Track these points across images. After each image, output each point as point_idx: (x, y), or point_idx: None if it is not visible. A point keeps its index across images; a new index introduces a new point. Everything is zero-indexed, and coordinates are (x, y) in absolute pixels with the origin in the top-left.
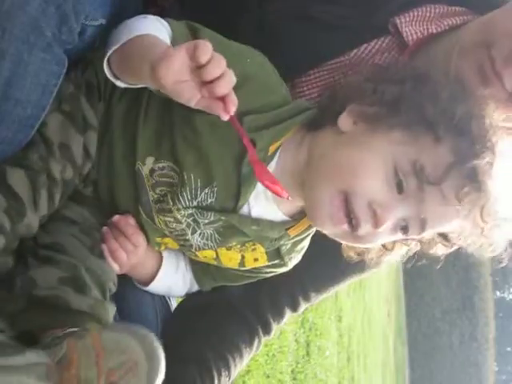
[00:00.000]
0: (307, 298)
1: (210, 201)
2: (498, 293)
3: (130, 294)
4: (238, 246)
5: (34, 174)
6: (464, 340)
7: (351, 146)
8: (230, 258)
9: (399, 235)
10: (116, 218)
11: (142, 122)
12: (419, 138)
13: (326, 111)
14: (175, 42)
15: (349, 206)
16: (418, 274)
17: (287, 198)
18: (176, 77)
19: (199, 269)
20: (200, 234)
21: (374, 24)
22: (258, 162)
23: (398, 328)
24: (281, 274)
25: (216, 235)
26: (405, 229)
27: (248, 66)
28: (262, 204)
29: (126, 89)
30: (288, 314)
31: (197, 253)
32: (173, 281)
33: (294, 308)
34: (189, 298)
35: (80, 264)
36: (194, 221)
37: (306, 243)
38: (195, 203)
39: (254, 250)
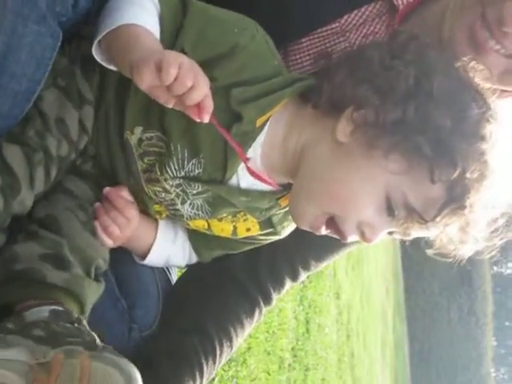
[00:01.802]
0: (307, 267)
1: (197, 171)
2: (495, 268)
3: (130, 269)
4: (230, 217)
5: (31, 150)
6: (462, 315)
7: (346, 165)
8: (221, 229)
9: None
10: (106, 190)
11: (133, 91)
12: (415, 171)
13: (327, 97)
14: (162, 21)
15: (336, 225)
16: (415, 250)
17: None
18: (149, 84)
19: (197, 238)
20: (190, 204)
21: None
22: (246, 160)
23: (397, 304)
24: (279, 243)
25: (206, 206)
26: (390, 233)
27: (237, 36)
28: (250, 175)
29: None
30: (288, 284)
31: (188, 222)
32: (171, 252)
33: (294, 277)
34: (189, 270)
35: (66, 241)
36: (183, 191)
37: None
38: (182, 173)
39: (245, 220)
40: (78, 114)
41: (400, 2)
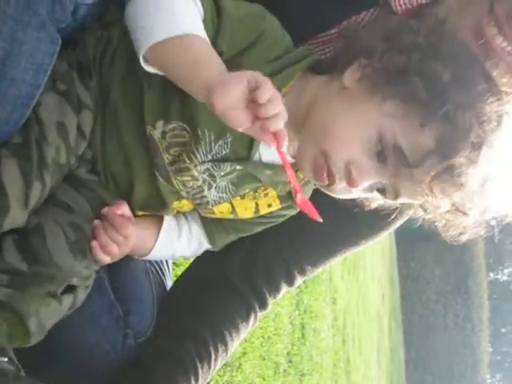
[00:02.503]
0: (303, 272)
1: (224, 152)
2: (491, 274)
3: (126, 275)
4: (251, 193)
5: (29, 165)
6: (458, 322)
7: (346, 105)
8: (245, 208)
9: (376, 194)
10: (105, 210)
11: (146, 87)
12: (409, 117)
13: (337, 58)
14: (205, 22)
15: (328, 163)
16: (411, 256)
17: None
18: (230, 105)
19: (211, 224)
20: (216, 187)
21: None
22: (305, 201)
23: (393, 310)
24: (275, 248)
25: (230, 186)
26: (381, 191)
27: (261, 27)
28: (271, 150)
29: (115, 60)
30: (284, 289)
31: (213, 209)
32: (176, 248)
33: (290, 282)
34: (184, 275)
35: (34, 260)
36: (210, 175)
37: (312, 184)
38: (210, 157)
39: (266, 195)
40: (76, 118)
41: (399, 9)
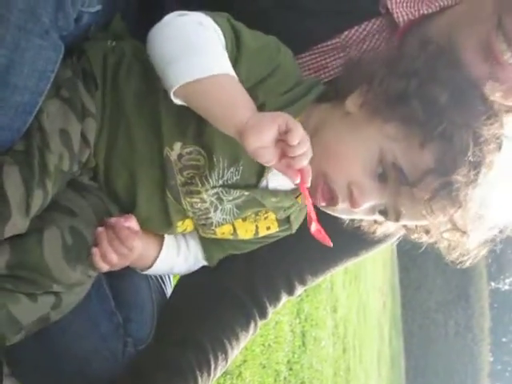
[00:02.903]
0: (303, 281)
1: (235, 179)
2: (492, 283)
3: (127, 282)
4: (253, 216)
5: (30, 173)
6: (459, 331)
7: (348, 129)
8: (246, 230)
9: (378, 216)
10: (113, 220)
11: (163, 107)
12: (408, 138)
13: (340, 86)
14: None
15: (328, 186)
16: (413, 266)
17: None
18: (261, 145)
19: (209, 241)
20: (221, 210)
21: (363, 6)
22: (320, 231)
23: (394, 319)
24: (276, 257)
25: (235, 209)
26: (383, 213)
27: (276, 59)
28: (278, 176)
29: (131, 75)
30: (284, 298)
31: (216, 229)
32: (174, 264)
33: (290, 291)
34: (184, 282)
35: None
36: (218, 198)
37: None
38: (221, 182)
39: (266, 218)
40: (80, 126)
41: (401, 20)
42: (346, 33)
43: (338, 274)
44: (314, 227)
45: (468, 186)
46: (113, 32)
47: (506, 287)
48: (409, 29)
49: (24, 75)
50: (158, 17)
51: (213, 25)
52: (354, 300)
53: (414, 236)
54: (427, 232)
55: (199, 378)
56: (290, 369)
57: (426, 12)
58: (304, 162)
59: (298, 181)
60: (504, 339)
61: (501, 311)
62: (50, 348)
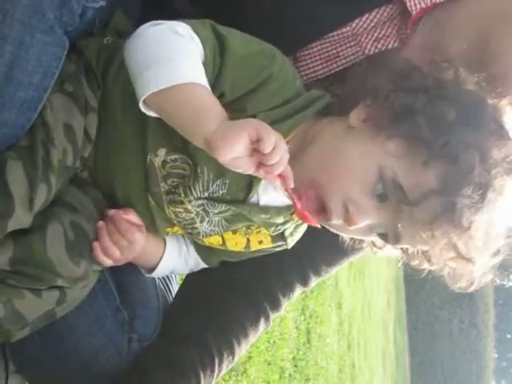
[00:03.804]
0: (318, 272)
1: (221, 192)
2: (497, 280)
3: (132, 279)
4: (244, 229)
5: (34, 168)
6: (464, 327)
7: (349, 143)
8: (235, 242)
9: (376, 239)
10: (111, 212)
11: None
12: (411, 155)
13: (344, 99)
14: (205, 63)
15: (324, 199)
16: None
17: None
18: (233, 156)
19: (203, 249)
20: (208, 221)
21: None
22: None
23: (398, 316)
24: (287, 250)
25: (223, 221)
26: (382, 236)
27: (269, 68)
28: (270, 193)
29: (122, 72)
30: (299, 289)
31: (204, 239)
32: (176, 265)
33: (305, 283)
34: (190, 279)
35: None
36: (204, 210)
37: (305, 226)
38: (206, 194)
39: (258, 232)
40: (83, 120)
41: (414, 8)
42: (356, 21)
43: (342, 270)
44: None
45: (473, 210)
46: (114, 27)
47: (511, 284)
48: (421, 17)
49: (28, 71)
50: (165, 12)
51: (189, 33)
52: (359, 297)
53: (415, 262)
54: (428, 259)
55: (201, 376)
56: (295, 365)
57: (438, 0)
58: (281, 168)
59: (280, 184)
60: (509, 336)
61: (505, 308)
62: (56, 344)
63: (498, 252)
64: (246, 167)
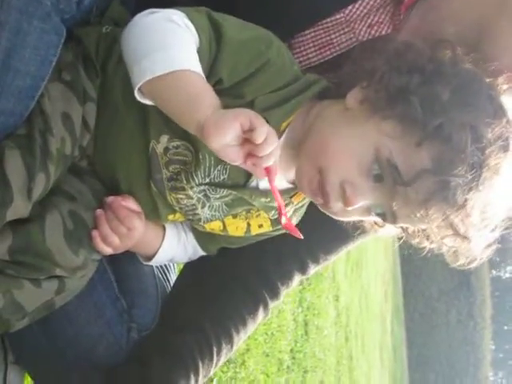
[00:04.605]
0: (316, 260)
1: (222, 177)
2: (493, 271)
3: (131, 268)
4: (244, 213)
5: (32, 157)
6: (461, 319)
7: (346, 125)
8: (236, 227)
9: (376, 218)
10: (110, 199)
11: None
12: (405, 136)
13: (341, 82)
14: (200, 53)
15: (322, 181)
16: (414, 254)
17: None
18: (225, 143)
19: (203, 234)
20: (209, 206)
21: None
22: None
23: (396, 308)
24: (284, 238)
25: (224, 206)
26: (381, 215)
27: (266, 54)
28: None
29: (121, 62)
30: (297, 277)
31: (205, 225)
32: (175, 253)
33: (303, 271)
34: (189, 268)
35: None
36: (205, 195)
37: (304, 209)
38: (207, 180)
39: (258, 215)
40: (81, 109)
41: None
42: (349, 7)
43: (339, 262)
44: (284, 220)
45: (467, 189)
46: (111, 17)
47: (508, 275)
48: (414, 3)
49: (26, 59)
50: (161, 2)
51: (185, 21)
52: (356, 289)
53: (415, 241)
54: (428, 237)
55: (200, 364)
56: (293, 357)
57: None
58: (271, 161)
59: (265, 178)
60: (506, 327)
61: (502, 299)
62: (55, 334)
63: (496, 228)
64: (234, 156)
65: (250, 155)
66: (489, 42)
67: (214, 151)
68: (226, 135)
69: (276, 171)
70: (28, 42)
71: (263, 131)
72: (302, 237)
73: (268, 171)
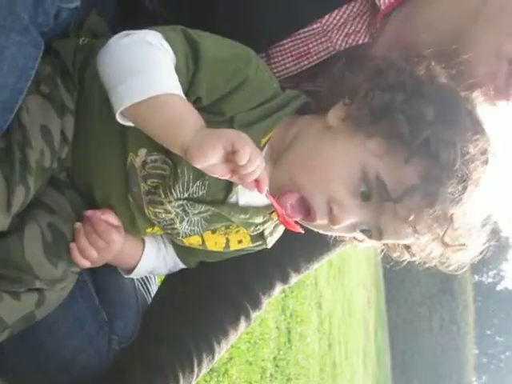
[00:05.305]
0: (297, 269)
1: (201, 193)
2: (476, 277)
3: (111, 280)
4: (223, 229)
5: (11, 171)
6: (444, 324)
7: (330, 143)
8: (215, 242)
9: (360, 235)
10: (89, 212)
11: None
12: (392, 154)
13: (323, 98)
14: (178, 70)
15: (306, 201)
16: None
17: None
18: (209, 164)
19: (182, 249)
20: (188, 221)
21: None
22: (290, 224)
23: (379, 314)
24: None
25: (203, 221)
26: (366, 232)
27: (245, 71)
28: (249, 192)
29: (97, 76)
30: (279, 287)
31: (183, 240)
32: (154, 266)
33: (285, 280)
34: (170, 279)
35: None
36: (183, 210)
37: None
38: (186, 195)
39: (237, 231)
40: (60, 121)
41: (382, 2)
42: (326, 17)
43: (322, 269)
44: (287, 220)
45: (453, 204)
46: (89, 29)
47: (490, 280)
48: (390, 12)
49: (4, 72)
50: (137, 13)
51: (161, 41)
52: (339, 295)
53: (395, 254)
54: (408, 250)
55: (180, 376)
56: (276, 365)
57: None
58: (255, 176)
59: (255, 190)
60: (488, 332)
61: (485, 304)
62: (36, 347)
63: (479, 235)
64: (221, 173)
65: (235, 171)
66: (464, 50)
67: (201, 169)
68: (209, 158)
69: (265, 181)
70: (6, 55)
71: (246, 153)
72: (302, 231)
73: (257, 182)
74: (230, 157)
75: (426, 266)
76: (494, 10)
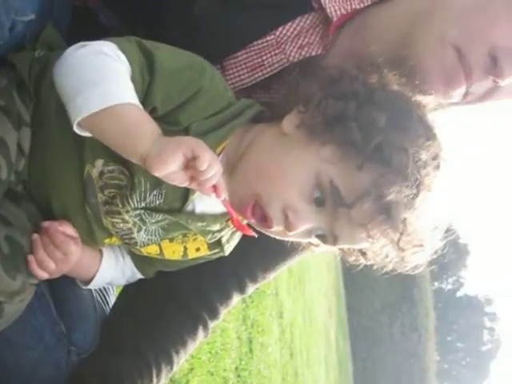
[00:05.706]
0: (254, 279)
1: (158, 202)
2: (436, 284)
3: (69, 291)
4: (180, 237)
5: None
6: (405, 331)
7: (284, 151)
8: (173, 251)
9: (315, 240)
10: (46, 224)
11: None
12: (345, 160)
13: (277, 106)
14: (133, 80)
15: (261, 208)
16: (356, 268)
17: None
18: (168, 172)
19: (140, 259)
20: (145, 230)
21: (296, 1)
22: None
23: (340, 323)
24: (223, 257)
25: (160, 230)
26: (322, 237)
27: (199, 81)
28: (205, 200)
29: (53, 88)
30: (236, 297)
31: (141, 249)
32: (112, 276)
33: (242, 290)
34: (128, 290)
35: None
36: (141, 220)
37: (240, 233)
38: (143, 204)
39: (195, 239)
40: (16, 134)
41: (334, 15)
42: (280, 29)
43: (282, 279)
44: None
45: (406, 209)
46: (44, 41)
47: (450, 286)
48: (342, 23)
49: None
50: (92, 26)
51: (116, 52)
52: (300, 305)
53: (351, 259)
54: (364, 255)
55: None
56: (238, 375)
57: (358, 7)
58: (214, 181)
59: (213, 195)
60: (449, 338)
61: (445, 311)
62: None
63: (433, 240)
64: (180, 181)
65: (194, 177)
66: (412, 52)
67: (160, 177)
68: (168, 165)
69: (223, 187)
70: None
71: (206, 159)
72: (256, 235)
73: (215, 188)
74: (190, 163)
75: (384, 270)
76: (429, 5)
